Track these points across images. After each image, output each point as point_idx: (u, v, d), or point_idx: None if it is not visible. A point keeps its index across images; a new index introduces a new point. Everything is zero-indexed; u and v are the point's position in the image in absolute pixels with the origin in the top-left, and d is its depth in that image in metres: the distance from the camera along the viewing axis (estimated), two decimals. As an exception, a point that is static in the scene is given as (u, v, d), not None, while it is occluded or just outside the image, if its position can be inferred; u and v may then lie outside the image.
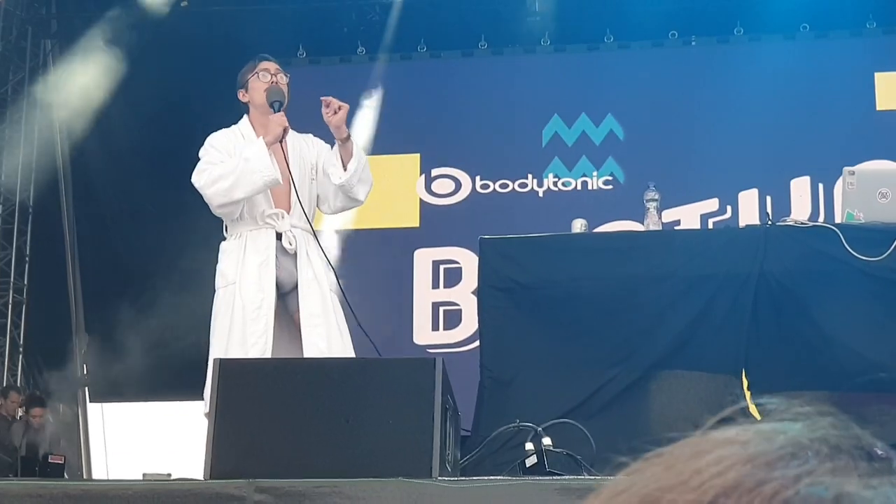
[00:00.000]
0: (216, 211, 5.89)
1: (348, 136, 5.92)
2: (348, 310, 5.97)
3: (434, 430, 4.27)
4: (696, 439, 0.87)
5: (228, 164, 5.78)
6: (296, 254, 5.82)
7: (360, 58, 11.83)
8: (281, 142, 5.84)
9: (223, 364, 4.54)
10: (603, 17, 11.49)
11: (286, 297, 5.84)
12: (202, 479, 4.32)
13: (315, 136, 6.18)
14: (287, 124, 5.88)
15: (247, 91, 6.00)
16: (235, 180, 5.75)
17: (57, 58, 12.25)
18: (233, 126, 6.05)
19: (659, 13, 11.17)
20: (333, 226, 10.20)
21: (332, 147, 6.05)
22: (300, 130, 6.11)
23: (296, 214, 5.86)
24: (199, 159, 5.93)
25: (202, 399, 5.56)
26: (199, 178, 5.83)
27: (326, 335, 5.73)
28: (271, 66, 6.03)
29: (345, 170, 5.83)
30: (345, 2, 12.04)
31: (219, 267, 5.87)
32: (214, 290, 5.88)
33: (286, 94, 5.99)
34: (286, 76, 6.06)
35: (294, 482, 4.06)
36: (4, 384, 11.72)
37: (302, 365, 4.97)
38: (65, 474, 9.33)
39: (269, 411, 4.39)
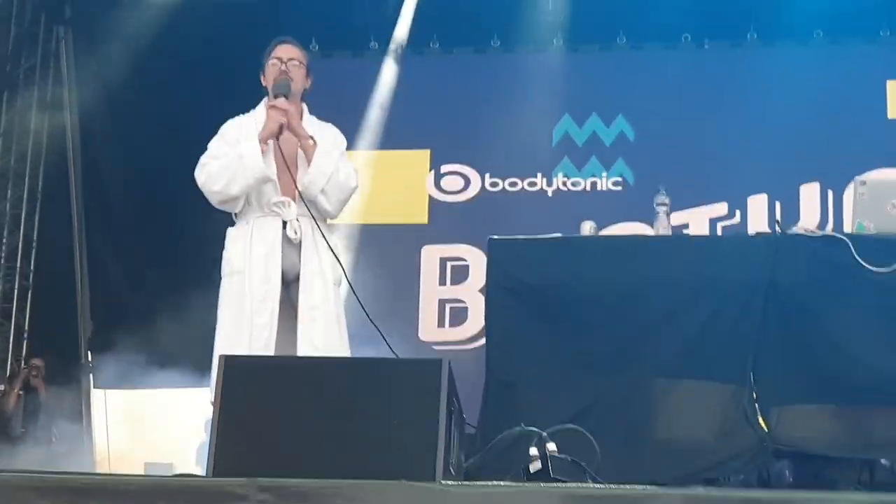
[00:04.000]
0: (216, 206, 5.90)
1: (308, 143, 5.85)
2: (357, 305, 5.96)
3: (439, 432, 4.25)
4: None
5: (224, 160, 5.78)
6: (301, 243, 5.81)
7: (372, 52, 11.80)
8: (279, 133, 5.81)
9: (228, 361, 4.51)
10: (616, 18, 11.46)
11: (290, 287, 5.83)
12: (205, 475, 4.31)
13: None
14: (283, 120, 5.82)
15: (264, 75, 6.00)
16: (231, 177, 5.76)
17: (69, 44, 12.24)
18: (252, 111, 6.04)
19: (672, 15, 11.13)
20: (341, 219, 10.18)
21: (342, 142, 6.05)
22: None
23: (303, 203, 5.84)
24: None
25: (207, 387, 5.57)
26: (199, 174, 5.85)
27: (324, 330, 5.72)
28: (286, 52, 5.99)
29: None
30: (358, -4, 12.02)
31: (225, 254, 5.87)
32: (220, 277, 5.88)
33: (298, 83, 5.96)
34: (303, 60, 6.01)
35: (296, 482, 4.03)
36: (9, 370, 11.72)
37: (308, 363, 4.95)
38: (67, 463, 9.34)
39: (273, 409, 4.37)
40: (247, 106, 6.10)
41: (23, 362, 11.88)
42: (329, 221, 6.04)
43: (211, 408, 4.59)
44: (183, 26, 11.27)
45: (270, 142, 5.84)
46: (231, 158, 5.78)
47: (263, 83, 6.00)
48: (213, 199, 5.86)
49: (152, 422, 11.67)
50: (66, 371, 11.72)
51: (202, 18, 11.23)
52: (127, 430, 11.92)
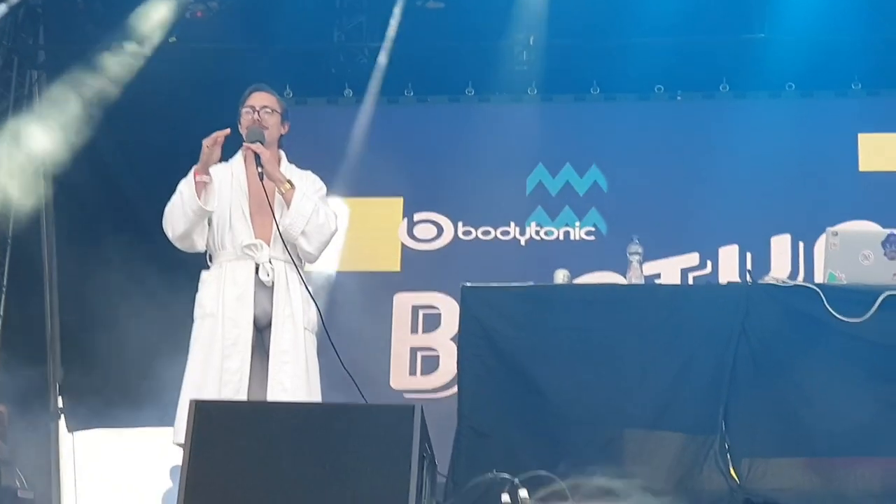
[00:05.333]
0: (179, 247, 5.92)
1: (286, 186, 5.87)
2: (331, 352, 5.95)
3: (411, 478, 4.25)
4: None
5: (172, 199, 5.84)
6: (273, 286, 5.81)
7: (346, 100, 11.82)
8: (262, 173, 5.82)
9: (198, 406, 4.49)
10: (590, 69, 11.52)
11: (263, 332, 5.82)
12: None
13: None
14: (214, 138, 5.81)
15: (240, 124, 6.03)
16: (176, 215, 5.81)
17: (43, 88, 12.21)
18: (230, 160, 6.05)
19: (645, 67, 11.19)
20: (314, 266, 10.18)
21: (321, 188, 6.07)
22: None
23: (278, 246, 5.85)
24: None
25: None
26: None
27: (292, 374, 5.72)
28: (259, 100, 6.02)
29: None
30: (333, 44, 12.04)
31: (198, 296, 5.88)
32: (193, 320, 5.87)
33: (273, 131, 5.98)
34: (277, 108, 6.03)
35: (268, 527, 4.02)
36: (-26, 415, 11.61)
37: (280, 408, 4.94)
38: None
39: (244, 454, 4.35)
40: (224, 153, 6.10)
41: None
42: (307, 267, 6.04)
43: (175, 451, 4.57)
44: (157, 73, 11.27)
45: (219, 191, 5.85)
46: (175, 197, 5.83)
47: (241, 130, 6.03)
48: (169, 236, 5.91)
49: (121, 466, 11.59)
50: (35, 416, 11.61)
51: (177, 64, 11.24)
52: (96, 476, 11.83)
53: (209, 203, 5.81)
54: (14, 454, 11.11)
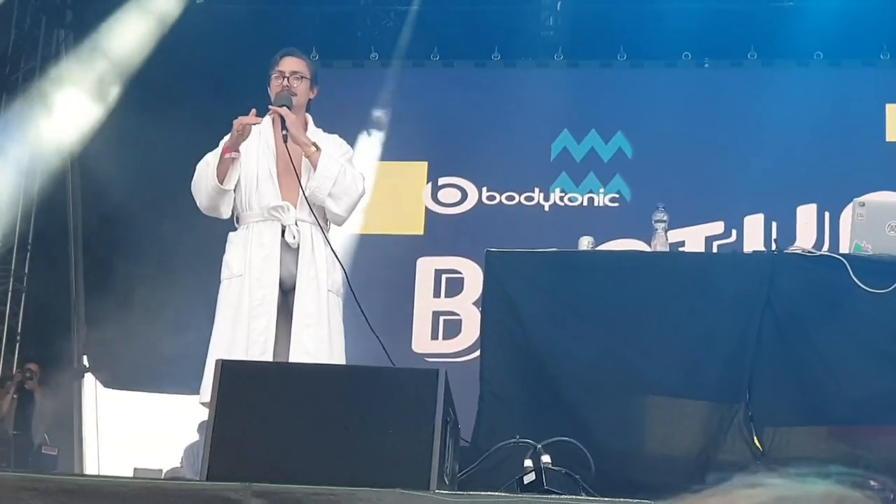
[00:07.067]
0: (205, 213, 5.95)
1: (311, 149, 5.86)
2: (357, 314, 5.95)
3: (434, 442, 4.25)
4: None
5: (199, 168, 5.85)
6: (299, 248, 5.82)
7: (372, 63, 11.82)
8: (286, 136, 5.82)
9: (225, 365, 4.50)
10: (617, 35, 11.49)
11: (287, 295, 5.84)
12: (199, 479, 4.30)
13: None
14: (245, 124, 5.79)
15: (270, 87, 6.04)
16: (198, 186, 5.84)
17: (70, 48, 12.23)
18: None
19: (673, 33, 11.16)
20: (338, 229, 10.19)
21: (347, 151, 6.07)
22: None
23: (304, 208, 5.86)
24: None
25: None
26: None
27: (315, 337, 5.73)
28: (289, 65, 6.02)
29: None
30: (360, 6, 12.03)
31: (225, 258, 5.90)
32: (220, 281, 5.89)
33: (301, 96, 5.98)
34: (306, 73, 6.03)
35: (290, 488, 4.03)
36: (1, 373, 11.69)
37: (304, 370, 4.95)
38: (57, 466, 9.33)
39: (269, 415, 4.36)
40: (247, 113, 6.09)
41: (15, 366, 11.85)
42: (332, 230, 6.04)
43: (202, 410, 4.59)
44: (185, 35, 11.27)
45: (247, 152, 5.85)
46: (202, 166, 5.85)
47: (270, 94, 6.04)
48: (201, 210, 5.94)
49: (144, 427, 11.67)
50: (59, 375, 11.70)
51: (204, 26, 11.23)
52: (118, 435, 11.91)
53: (229, 182, 5.82)
54: (43, 408, 11.22)
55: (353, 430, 4.29)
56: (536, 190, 11.36)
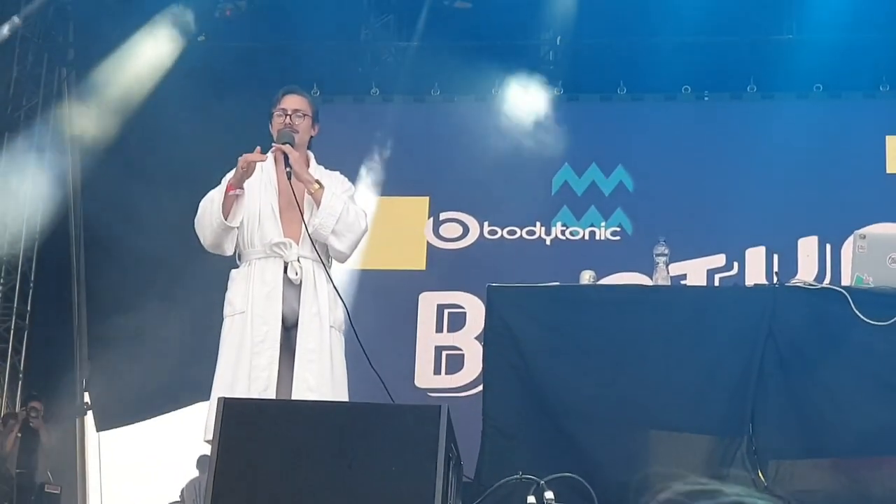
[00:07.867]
0: (208, 250, 5.96)
1: (314, 186, 5.88)
2: (358, 350, 5.95)
3: (437, 479, 4.25)
4: None
5: (203, 206, 5.87)
6: (301, 285, 5.83)
7: (373, 98, 11.85)
8: (290, 172, 5.84)
9: (227, 403, 4.52)
10: (617, 69, 11.52)
11: (290, 331, 5.85)
12: (202, 517, 4.30)
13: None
14: (250, 161, 5.81)
15: (271, 125, 6.06)
16: (202, 223, 5.85)
17: (72, 86, 12.27)
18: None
19: (673, 67, 11.19)
20: (340, 265, 10.21)
21: (349, 188, 6.09)
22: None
23: (306, 245, 5.87)
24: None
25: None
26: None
27: (318, 373, 5.73)
28: (291, 102, 6.04)
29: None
30: (360, 42, 12.08)
31: (227, 295, 5.91)
32: (222, 318, 5.90)
33: (303, 134, 6.01)
34: (308, 111, 6.05)
35: (294, 525, 4.04)
36: (3, 411, 11.67)
37: (306, 407, 4.95)
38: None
39: (271, 452, 4.37)
40: (249, 147, 6.10)
41: (18, 403, 11.84)
42: (333, 266, 6.05)
43: (203, 445, 4.59)
44: (188, 71, 11.31)
45: (249, 189, 5.87)
46: (206, 204, 5.86)
47: (271, 131, 6.06)
48: (201, 240, 5.95)
49: (146, 462, 11.65)
50: (62, 411, 11.69)
51: (206, 62, 11.28)
52: (120, 471, 11.89)
53: (234, 219, 5.84)
54: (46, 446, 11.20)
55: (356, 467, 4.30)
56: (538, 224, 11.37)
